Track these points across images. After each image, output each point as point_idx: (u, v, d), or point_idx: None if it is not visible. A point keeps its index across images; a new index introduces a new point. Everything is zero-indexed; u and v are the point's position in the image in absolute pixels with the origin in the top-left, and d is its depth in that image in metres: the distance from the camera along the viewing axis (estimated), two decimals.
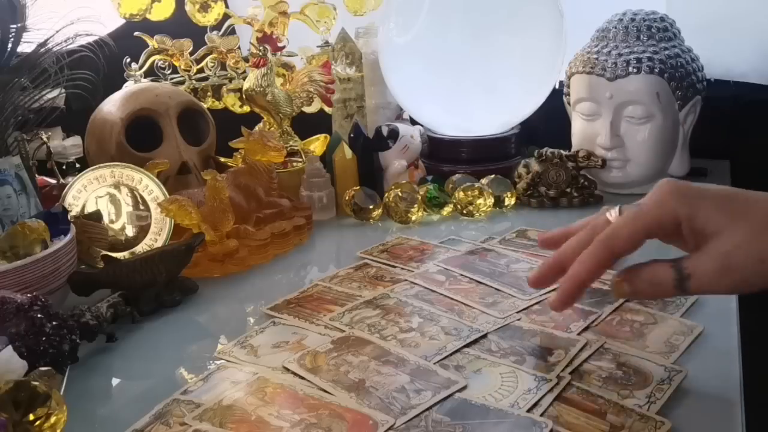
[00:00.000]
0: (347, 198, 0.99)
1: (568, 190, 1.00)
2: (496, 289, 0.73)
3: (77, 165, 1.10)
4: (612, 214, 0.53)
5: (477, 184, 0.98)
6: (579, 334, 0.63)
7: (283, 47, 1.19)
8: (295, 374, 0.59)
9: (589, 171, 1.00)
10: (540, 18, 1.04)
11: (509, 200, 1.00)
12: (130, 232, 0.87)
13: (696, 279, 0.49)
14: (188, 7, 1.17)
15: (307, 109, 1.18)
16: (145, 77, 1.13)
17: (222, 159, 1.06)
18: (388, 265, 0.82)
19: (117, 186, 0.87)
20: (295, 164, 1.08)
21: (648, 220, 0.51)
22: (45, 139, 1.01)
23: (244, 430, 0.52)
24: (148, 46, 1.14)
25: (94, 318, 0.67)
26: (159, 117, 0.99)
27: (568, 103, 1.06)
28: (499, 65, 1.02)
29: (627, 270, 0.52)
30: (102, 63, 0.89)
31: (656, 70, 0.95)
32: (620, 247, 0.51)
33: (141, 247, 0.85)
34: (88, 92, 0.89)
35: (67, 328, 0.62)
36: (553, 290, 0.71)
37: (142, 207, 0.87)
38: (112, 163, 0.88)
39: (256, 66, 1.08)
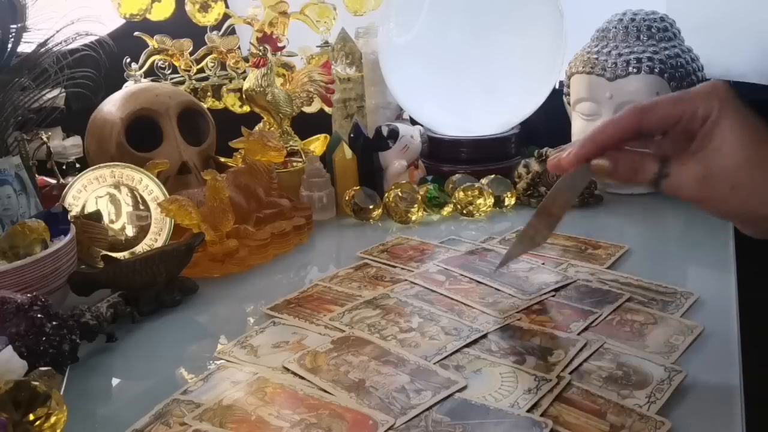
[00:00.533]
0: (347, 198, 0.99)
1: None
2: (496, 289, 0.73)
3: (77, 165, 1.10)
4: None
5: (477, 184, 0.98)
6: (579, 334, 0.63)
7: (283, 47, 1.19)
8: (295, 374, 0.59)
9: None
10: (540, 18, 1.04)
11: (509, 200, 1.00)
12: (130, 232, 0.87)
13: (674, 180, 0.51)
14: (188, 7, 1.17)
15: (307, 109, 1.18)
16: (145, 77, 1.13)
17: (222, 159, 1.06)
18: (388, 265, 0.82)
19: (117, 186, 0.87)
20: (295, 164, 1.08)
21: (684, 106, 0.51)
22: (45, 139, 1.01)
23: (244, 430, 0.52)
24: (148, 46, 1.14)
25: (94, 318, 0.67)
26: (159, 117, 0.99)
27: (568, 103, 1.06)
28: (499, 65, 1.02)
29: (614, 152, 0.54)
30: (104, 60, 0.89)
31: (656, 70, 0.95)
32: (651, 121, 0.52)
33: (141, 247, 0.85)
34: (89, 91, 0.89)
35: (67, 328, 0.62)
36: (552, 291, 0.72)
37: (142, 207, 0.87)
38: (112, 163, 0.88)
39: (256, 66, 1.08)
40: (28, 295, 0.62)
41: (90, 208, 0.86)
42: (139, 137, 0.98)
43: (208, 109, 1.10)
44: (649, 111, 0.52)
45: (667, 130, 0.53)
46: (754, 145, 0.49)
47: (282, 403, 0.55)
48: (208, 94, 1.21)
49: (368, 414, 0.52)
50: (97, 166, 0.88)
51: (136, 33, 1.14)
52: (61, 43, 0.86)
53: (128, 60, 1.11)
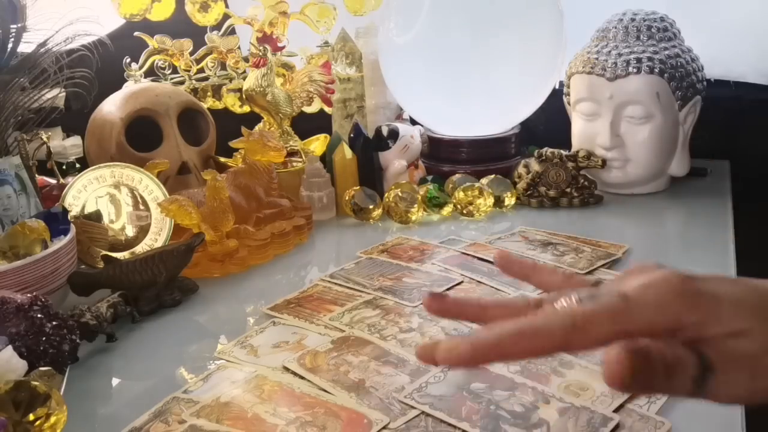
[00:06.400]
0: (347, 198, 0.99)
1: (568, 190, 1.00)
2: (496, 289, 0.73)
3: (77, 165, 1.10)
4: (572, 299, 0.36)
5: (477, 184, 0.98)
6: None
7: (283, 47, 1.19)
8: (295, 374, 0.59)
9: (589, 171, 1.00)
10: (540, 18, 1.04)
11: (509, 200, 1.00)
12: (130, 232, 0.87)
13: (719, 380, 0.35)
14: (188, 7, 1.17)
15: (307, 109, 1.18)
16: (145, 77, 1.13)
17: (222, 159, 1.06)
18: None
19: (117, 186, 0.87)
20: (295, 164, 1.08)
21: (636, 323, 0.35)
22: (45, 139, 1.00)
23: (240, 426, 0.52)
24: (148, 46, 1.14)
25: (94, 318, 0.67)
26: (159, 117, 0.99)
27: (568, 103, 1.06)
28: (499, 65, 1.02)
29: (629, 347, 0.33)
30: (97, 60, 0.89)
31: (656, 70, 0.95)
32: (581, 344, 0.35)
33: (141, 247, 0.85)
34: (88, 92, 0.89)
35: (67, 328, 0.62)
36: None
37: (142, 207, 0.87)
38: (112, 163, 0.88)
39: (256, 66, 1.08)
40: (28, 295, 0.62)
41: (90, 208, 0.86)
42: (139, 137, 0.98)
43: (208, 109, 1.10)
44: (578, 330, 0.34)
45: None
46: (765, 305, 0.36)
47: (278, 401, 0.55)
48: (208, 94, 1.21)
49: (363, 413, 0.53)
50: (97, 166, 0.88)
51: (136, 33, 1.14)
52: (60, 43, 0.86)
53: (128, 60, 1.11)
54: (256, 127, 1.09)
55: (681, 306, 0.35)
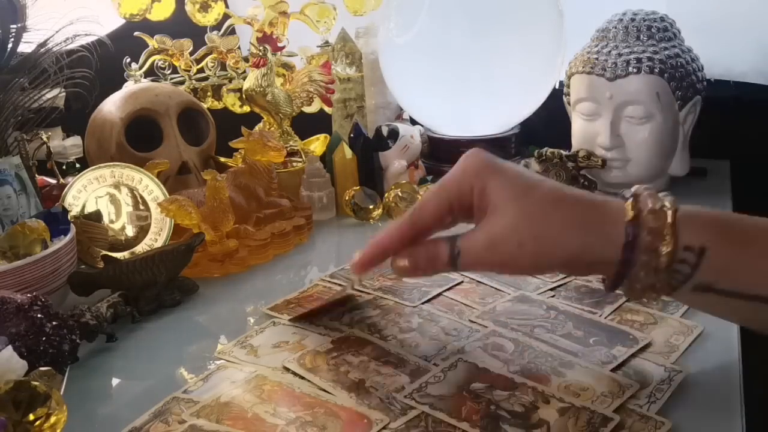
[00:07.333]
0: (347, 198, 0.99)
1: None
2: (496, 289, 0.73)
3: (77, 165, 1.10)
4: None
5: None
6: None
7: (283, 47, 1.19)
8: (295, 374, 0.59)
9: (589, 171, 1.00)
10: (540, 18, 1.04)
11: None
12: (130, 232, 0.87)
13: (466, 255, 0.51)
14: (188, 7, 1.17)
15: (307, 109, 1.18)
16: (145, 77, 1.13)
17: (222, 159, 1.06)
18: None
19: (117, 186, 0.87)
20: (295, 164, 1.08)
21: (449, 190, 0.52)
22: (45, 139, 1.00)
23: (240, 426, 0.52)
24: (148, 46, 1.14)
25: (94, 318, 0.67)
26: (159, 117, 0.99)
27: (568, 103, 1.06)
28: (499, 65, 1.02)
29: (411, 248, 0.54)
30: (96, 61, 0.89)
31: (656, 70, 0.95)
32: (423, 218, 0.53)
33: (141, 247, 0.85)
34: (88, 92, 0.89)
35: (67, 328, 0.62)
36: (551, 291, 0.72)
37: (142, 207, 0.87)
38: (112, 163, 0.88)
39: (256, 66, 1.08)
40: (28, 295, 0.62)
41: (90, 208, 0.86)
42: (139, 137, 0.98)
43: (208, 109, 1.10)
44: (418, 211, 0.53)
45: (446, 220, 0.54)
46: (525, 195, 0.49)
47: (278, 401, 0.55)
48: (208, 94, 1.21)
49: (363, 413, 0.53)
50: (97, 166, 0.88)
51: (136, 33, 1.14)
52: (60, 43, 0.86)
53: (128, 60, 1.11)
54: (256, 127, 1.09)
55: (473, 172, 0.51)
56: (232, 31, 1.21)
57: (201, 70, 1.20)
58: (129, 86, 1.06)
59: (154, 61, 1.15)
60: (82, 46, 0.89)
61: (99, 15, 0.93)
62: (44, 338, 0.59)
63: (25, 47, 0.86)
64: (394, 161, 1.03)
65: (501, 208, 0.49)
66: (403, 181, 1.01)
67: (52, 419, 0.49)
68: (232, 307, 0.77)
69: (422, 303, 0.70)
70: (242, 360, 0.63)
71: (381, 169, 1.04)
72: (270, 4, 1.17)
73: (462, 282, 0.75)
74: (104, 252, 0.82)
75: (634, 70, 0.96)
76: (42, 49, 0.86)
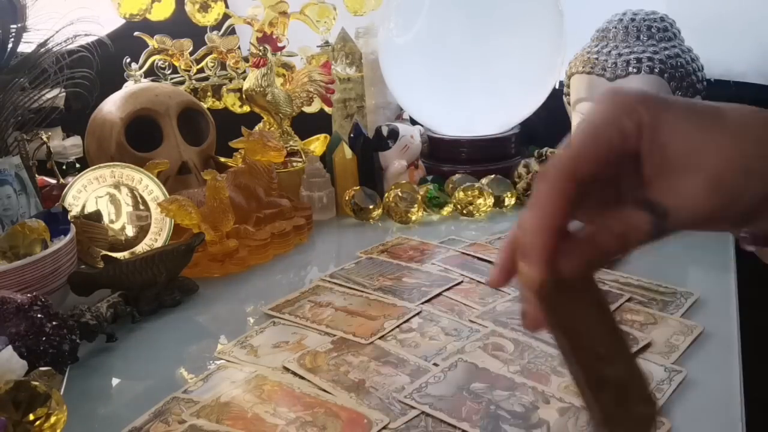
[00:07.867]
0: (347, 198, 0.99)
1: None
2: (495, 288, 0.73)
3: (77, 165, 1.10)
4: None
5: (477, 184, 0.98)
6: None
7: (283, 47, 1.19)
8: (295, 374, 0.59)
9: None
10: (540, 18, 1.04)
11: (509, 200, 1.00)
12: (130, 232, 0.87)
13: (681, 210, 0.35)
14: (188, 7, 1.17)
15: (307, 109, 1.18)
16: (145, 77, 1.13)
17: (222, 159, 1.06)
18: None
19: (117, 186, 0.87)
20: (295, 164, 1.08)
21: (609, 132, 0.35)
22: (45, 139, 1.00)
23: (240, 426, 0.52)
24: (148, 46, 1.14)
25: (94, 318, 0.67)
26: (159, 117, 0.99)
27: (568, 103, 1.06)
28: (499, 65, 1.02)
29: (586, 232, 0.36)
30: (97, 61, 0.89)
31: (656, 70, 0.95)
32: (586, 170, 0.35)
33: (141, 247, 0.85)
34: (88, 91, 0.89)
35: (67, 328, 0.62)
36: None
37: (142, 207, 0.87)
38: (112, 163, 0.88)
39: (256, 66, 1.08)
40: (28, 295, 0.62)
41: (90, 208, 0.86)
42: (139, 137, 0.98)
43: (208, 109, 1.10)
44: (576, 158, 0.35)
45: (609, 173, 0.36)
46: (719, 116, 0.36)
47: (278, 401, 0.55)
48: (208, 94, 1.21)
49: (363, 413, 0.53)
50: (97, 166, 0.88)
51: (136, 33, 1.14)
52: (60, 43, 0.86)
53: (128, 60, 1.11)
54: (256, 127, 1.09)
55: (636, 109, 0.35)
56: (232, 31, 1.21)
57: (201, 70, 1.20)
58: (129, 86, 1.06)
59: (154, 61, 1.15)
60: (82, 46, 0.89)
61: (99, 15, 0.93)
62: (44, 338, 0.59)
63: (25, 47, 0.86)
64: (394, 161, 1.03)
65: (706, 142, 0.35)
66: (403, 181, 1.01)
67: (52, 419, 0.49)
68: (232, 307, 0.77)
69: (422, 303, 0.70)
70: (242, 360, 0.63)
71: (381, 169, 1.04)
72: (270, 4, 1.16)
73: (462, 282, 0.75)
74: (104, 252, 0.82)
75: (634, 70, 0.96)
76: (42, 49, 0.86)
